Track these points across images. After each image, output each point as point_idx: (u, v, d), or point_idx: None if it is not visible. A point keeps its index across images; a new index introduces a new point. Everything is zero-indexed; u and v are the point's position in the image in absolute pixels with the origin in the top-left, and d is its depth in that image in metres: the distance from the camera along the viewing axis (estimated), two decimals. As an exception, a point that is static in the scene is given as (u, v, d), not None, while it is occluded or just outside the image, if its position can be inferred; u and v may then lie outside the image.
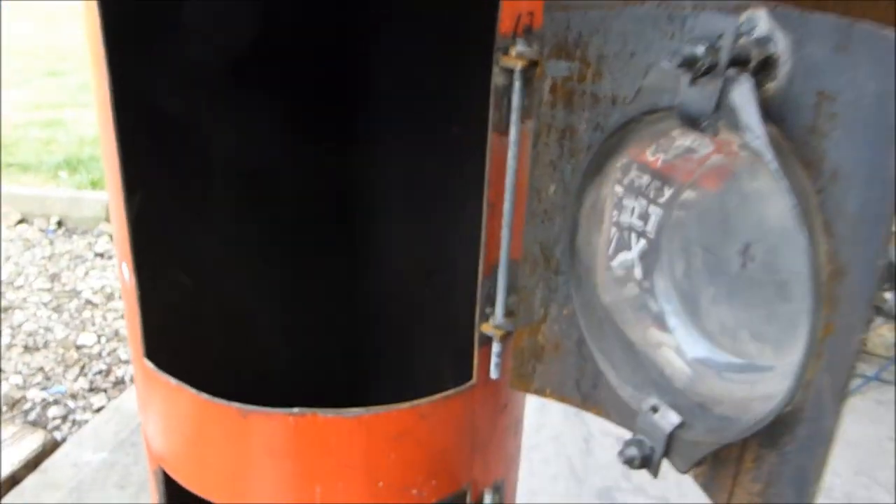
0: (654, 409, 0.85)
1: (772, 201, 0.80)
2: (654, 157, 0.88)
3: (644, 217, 0.92)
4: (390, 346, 1.68)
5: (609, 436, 2.51)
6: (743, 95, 0.68)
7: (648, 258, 0.93)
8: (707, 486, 0.88)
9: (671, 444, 0.83)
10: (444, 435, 1.07)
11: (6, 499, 2.25)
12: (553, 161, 0.93)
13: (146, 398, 1.15)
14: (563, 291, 0.98)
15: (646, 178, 0.90)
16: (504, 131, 0.95)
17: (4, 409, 2.85)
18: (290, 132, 1.45)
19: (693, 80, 0.71)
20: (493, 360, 1.05)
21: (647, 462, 0.85)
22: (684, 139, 0.86)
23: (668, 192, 0.90)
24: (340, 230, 1.58)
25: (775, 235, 0.80)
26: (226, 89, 1.36)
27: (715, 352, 0.89)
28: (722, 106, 0.70)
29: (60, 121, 6.66)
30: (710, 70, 0.70)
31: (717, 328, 0.88)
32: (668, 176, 0.88)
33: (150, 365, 1.08)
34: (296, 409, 0.98)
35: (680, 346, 0.90)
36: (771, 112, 0.70)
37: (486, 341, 1.05)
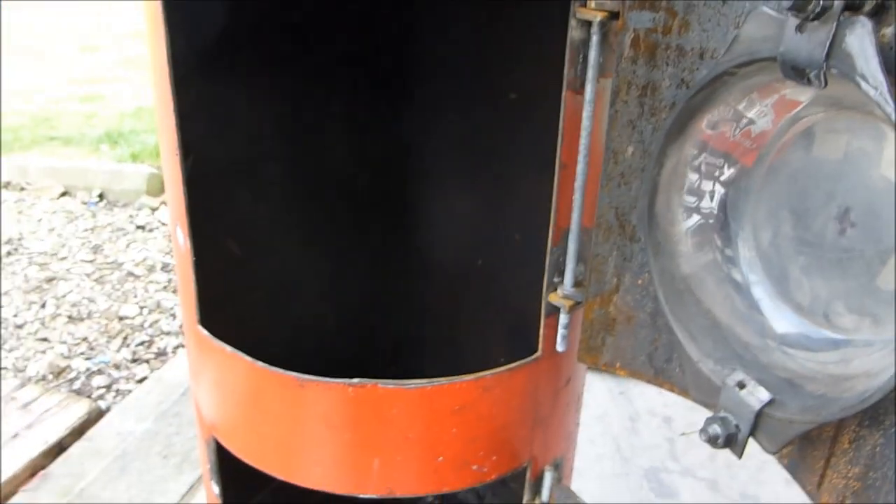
0: (741, 385, 0.79)
1: (879, 161, 0.74)
2: (714, 131, 0.83)
3: (706, 194, 0.86)
4: (440, 317, 1.64)
5: (655, 416, 2.45)
6: (861, 41, 0.62)
7: (722, 229, 0.88)
8: (794, 468, 0.82)
9: (759, 423, 0.78)
10: (506, 409, 1.03)
11: (54, 465, 2.27)
12: (632, 120, 0.87)
13: (199, 366, 1.12)
14: (639, 260, 0.93)
15: (706, 157, 0.84)
16: (579, 89, 0.90)
17: (50, 377, 2.87)
18: (342, 97, 1.41)
19: (801, 26, 0.65)
20: (560, 331, 1.00)
21: (731, 441, 0.80)
22: (749, 110, 0.80)
23: (729, 169, 0.84)
24: (392, 198, 1.54)
25: (882, 199, 0.74)
26: (278, 51, 1.31)
27: (805, 325, 0.83)
28: (834, 53, 0.64)
29: (100, 95, 6.69)
30: (821, 14, 0.63)
31: (808, 300, 0.82)
32: (728, 152, 0.83)
33: (204, 332, 1.05)
34: (355, 380, 0.94)
35: (766, 319, 0.85)
36: (885, 61, 0.63)
37: (553, 312, 1.00)
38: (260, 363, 0.98)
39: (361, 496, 1.03)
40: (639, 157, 0.88)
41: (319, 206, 1.45)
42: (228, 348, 1.01)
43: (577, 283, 0.99)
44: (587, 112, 0.89)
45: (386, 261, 1.59)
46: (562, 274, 0.99)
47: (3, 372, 2.92)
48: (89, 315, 3.38)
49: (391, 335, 1.65)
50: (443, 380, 0.97)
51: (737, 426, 0.79)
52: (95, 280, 3.70)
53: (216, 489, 1.21)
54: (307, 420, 0.99)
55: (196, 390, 1.18)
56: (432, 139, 1.51)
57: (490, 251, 1.53)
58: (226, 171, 1.26)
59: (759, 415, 0.77)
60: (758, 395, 0.78)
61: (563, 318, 1.00)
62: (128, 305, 3.46)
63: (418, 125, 1.49)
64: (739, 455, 0.81)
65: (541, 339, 1.02)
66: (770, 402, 0.77)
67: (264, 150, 1.37)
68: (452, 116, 1.48)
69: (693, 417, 2.56)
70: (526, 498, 1.14)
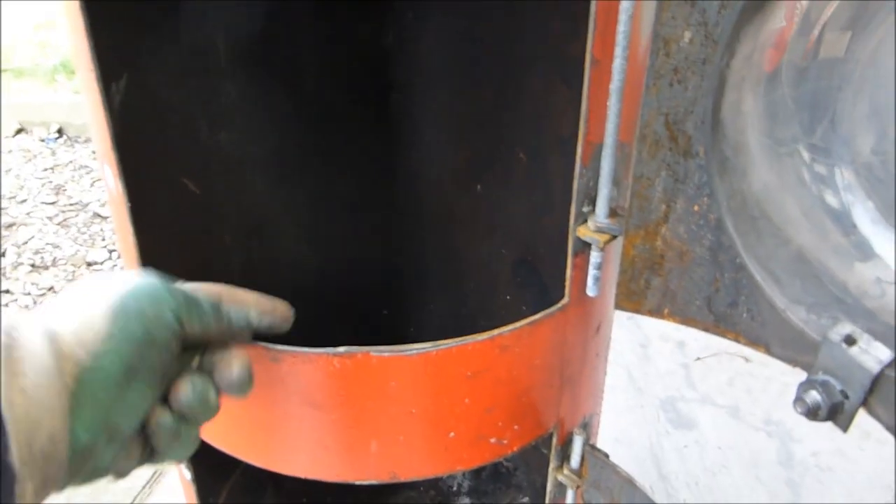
0: (850, 340, 0.60)
1: None
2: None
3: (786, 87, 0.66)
4: (434, 251, 1.45)
5: (668, 341, 2.29)
6: None
7: (809, 136, 0.67)
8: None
9: (875, 388, 0.60)
10: (529, 370, 0.84)
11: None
12: (691, -5, 0.66)
13: (151, 335, 0.92)
14: (696, 180, 0.73)
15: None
16: (616, -43, 0.67)
17: (14, 332, 2.67)
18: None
19: None
20: (592, 272, 0.81)
21: (836, 411, 0.62)
22: None
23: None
24: (376, 112, 1.32)
25: None
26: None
27: (924, 256, 0.64)
28: None
29: (53, 23, 6.28)
30: None
31: (928, 223, 0.63)
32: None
33: (150, 295, 0.84)
34: (342, 349, 0.75)
35: (871, 252, 0.65)
36: None
37: (583, 249, 0.80)
38: (221, 333, 0.78)
39: (358, 482, 0.85)
40: (699, 46, 0.67)
41: (289, 128, 1.23)
42: (182, 315, 0.81)
43: (613, 213, 0.79)
44: (627, -12, 0.67)
45: (370, 188, 1.38)
46: (593, 202, 0.79)
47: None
48: (54, 262, 3.16)
49: (380, 274, 1.46)
50: (451, 342, 0.77)
51: (843, 392, 0.61)
52: (59, 224, 3.46)
53: (188, 474, 1.03)
54: (286, 399, 0.80)
55: (152, 361, 0.98)
56: (415, 43, 1.28)
57: (489, 174, 1.32)
58: (172, 91, 1.03)
59: (877, 378, 0.59)
60: (874, 354, 0.59)
61: (595, 257, 0.80)
62: (95, 250, 3.23)
63: (399, 26, 1.25)
64: (845, 429, 0.63)
65: (568, 282, 0.83)
66: (891, 363, 0.59)
67: (219, 62, 1.13)
68: (439, 13, 1.25)
69: (708, 340, 2.41)
70: (553, 465, 0.97)
